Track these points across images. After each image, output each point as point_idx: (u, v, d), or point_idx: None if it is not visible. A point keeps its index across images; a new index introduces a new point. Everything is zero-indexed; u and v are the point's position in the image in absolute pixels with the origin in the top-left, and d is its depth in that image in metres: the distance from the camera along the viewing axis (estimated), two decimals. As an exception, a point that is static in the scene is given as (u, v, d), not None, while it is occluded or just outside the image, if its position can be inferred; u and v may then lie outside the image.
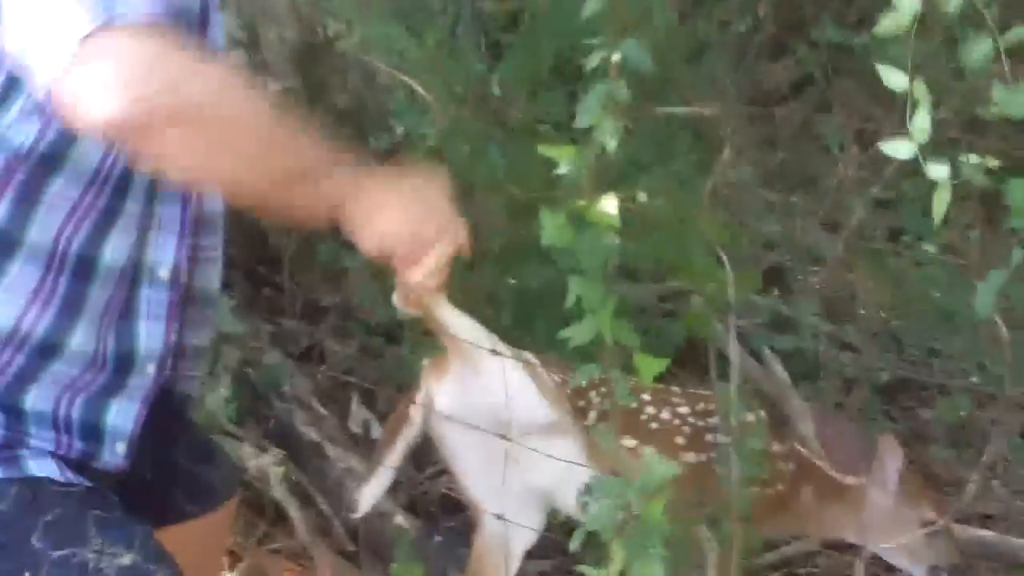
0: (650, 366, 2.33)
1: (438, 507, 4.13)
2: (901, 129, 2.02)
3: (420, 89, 4.05)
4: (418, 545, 3.57)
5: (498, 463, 2.96)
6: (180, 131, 1.96)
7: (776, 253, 4.99)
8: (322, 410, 4.39)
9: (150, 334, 2.40)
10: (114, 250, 2.27)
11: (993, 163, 2.03)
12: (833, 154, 5.52)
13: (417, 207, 2.23)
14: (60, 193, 2.18)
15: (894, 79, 1.91)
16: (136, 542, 2.32)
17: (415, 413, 3.06)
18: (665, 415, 3.19)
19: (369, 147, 4.27)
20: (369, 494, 3.12)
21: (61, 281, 2.25)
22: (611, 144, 2.28)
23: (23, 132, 2.13)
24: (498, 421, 2.92)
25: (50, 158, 2.16)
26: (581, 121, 2.27)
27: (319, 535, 3.83)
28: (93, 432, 2.40)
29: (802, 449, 3.30)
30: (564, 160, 2.29)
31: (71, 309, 2.26)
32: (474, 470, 3.11)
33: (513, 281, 3.90)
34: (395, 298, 2.85)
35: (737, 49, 5.38)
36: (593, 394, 3.12)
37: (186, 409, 2.75)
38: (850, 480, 3.27)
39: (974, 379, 5.15)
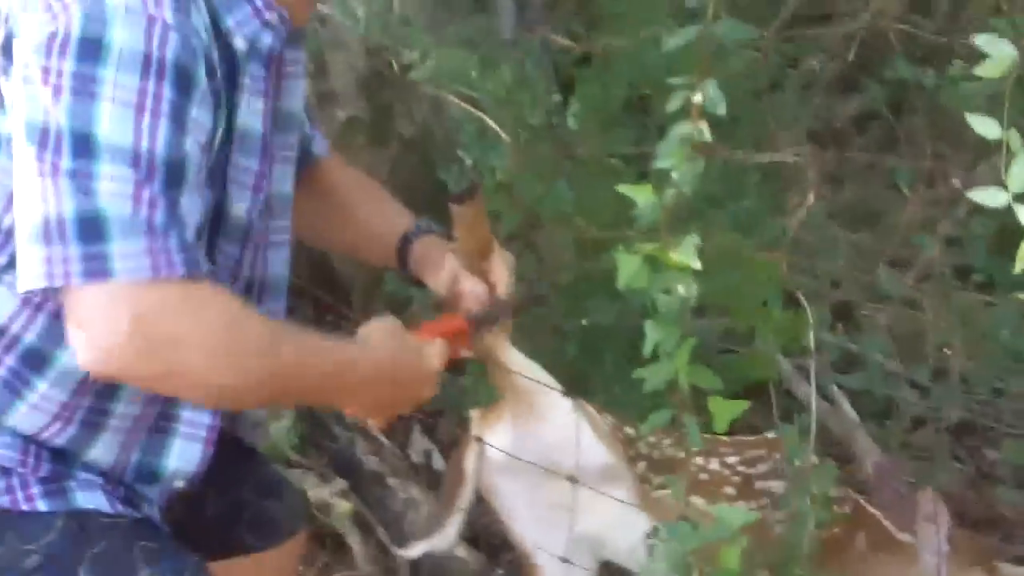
0: (725, 410, 2.30)
1: (500, 541, 4.10)
2: (972, 167, 2.01)
3: (491, 122, 4.04)
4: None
5: (551, 510, 2.94)
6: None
7: (843, 291, 4.93)
8: (384, 439, 4.37)
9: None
10: None
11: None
12: (901, 191, 5.47)
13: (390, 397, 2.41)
14: None
15: (985, 127, 1.87)
16: (186, 574, 2.32)
17: (468, 468, 3.03)
18: (714, 465, 3.14)
19: (437, 178, 4.25)
20: (423, 547, 3.10)
21: None
22: (690, 185, 2.25)
23: None
24: (552, 465, 2.90)
25: None
26: (661, 162, 2.24)
27: (379, 567, 3.81)
28: (151, 475, 2.39)
29: (858, 496, 3.23)
30: (641, 199, 2.26)
31: None
32: (527, 518, 3.06)
33: (582, 321, 3.87)
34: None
35: (807, 86, 5.34)
36: (642, 444, 3.09)
37: (252, 441, 2.75)
38: (904, 536, 3.20)
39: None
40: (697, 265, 2.21)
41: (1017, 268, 2.01)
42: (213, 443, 2.41)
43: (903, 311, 5.30)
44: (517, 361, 2.85)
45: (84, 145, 1.94)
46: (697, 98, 2.21)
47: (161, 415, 2.35)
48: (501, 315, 2.60)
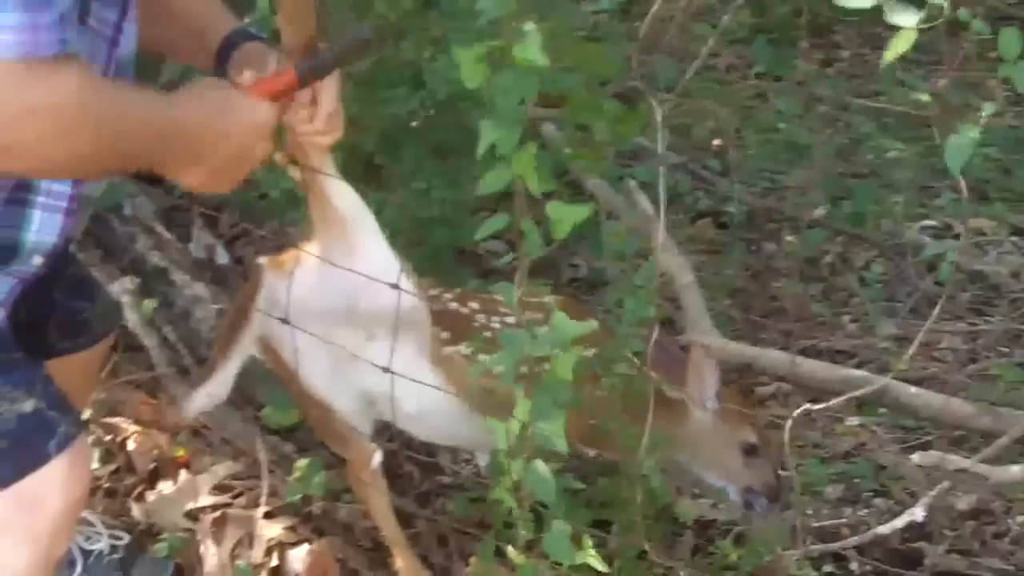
0: (566, 215, 2.23)
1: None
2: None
3: None
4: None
5: (344, 360, 2.80)
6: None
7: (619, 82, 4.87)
8: (166, 233, 4.21)
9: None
10: None
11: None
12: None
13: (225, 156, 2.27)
14: None
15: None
16: (38, 387, 2.22)
17: (254, 313, 2.86)
18: (496, 324, 3.06)
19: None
20: (201, 398, 2.93)
21: None
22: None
23: None
24: (352, 311, 2.77)
25: None
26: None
27: (173, 367, 3.69)
28: (9, 251, 2.28)
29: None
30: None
31: None
32: (319, 368, 2.90)
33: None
34: (277, 157, 2.72)
35: None
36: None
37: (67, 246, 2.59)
38: (675, 394, 3.20)
39: (822, 212, 5.19)
40: (543, 62, 2.12)
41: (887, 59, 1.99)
42: (74, 213, 2.31)
43: (681, 102, 5.31)
44: (340, 189, 2.70)
45: None
46: None
47: (18, 186, 2.22)
48: (330, 64, 2.45)
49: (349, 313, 2.77)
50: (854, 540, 3.37)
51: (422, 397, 2.81)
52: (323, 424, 2.95)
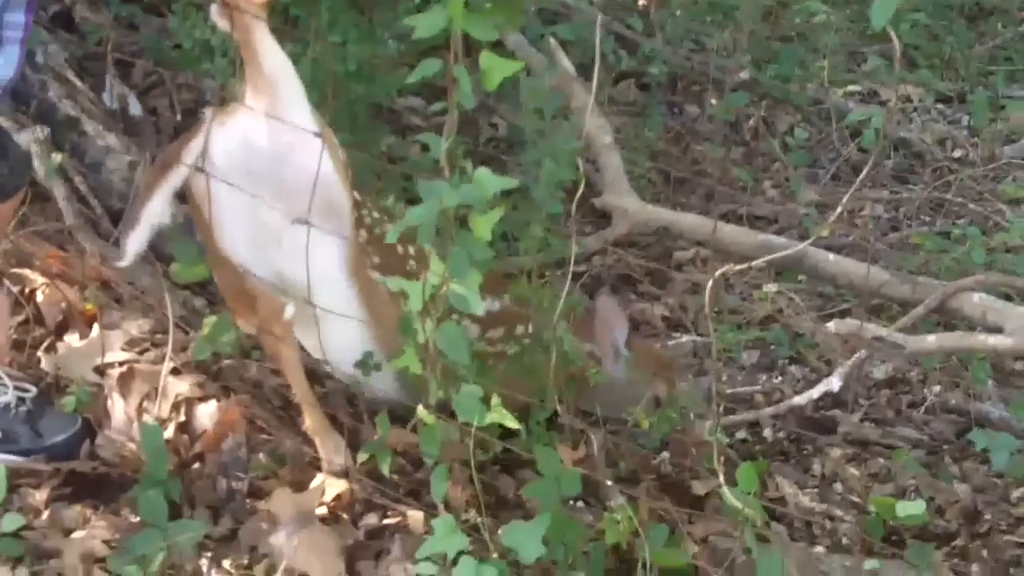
0: (498, 67, 2.17)
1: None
2: None
3: None
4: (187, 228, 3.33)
5: (264, 230, 2.72)
6: None
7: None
8: (77, 82, 4.10)
9: None
10: None
11: None
12: None
13: None
14: None
15: None
16: None
17: (187, 158, 2.75)
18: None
19: None
20: (134, 243, 2.83)
21: None
22: None
23: None
24: (276, 179, 2.69)
25: None
26: None
27: (82, 219, 3.61)
28: None
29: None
30: None
31: None
32: (239, 234, 2.80)
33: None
34: (214, 9, 2.63)
35: None
36: (366, 213, 2.90)
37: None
38: (588, 346, 3.16)
39: (747, 75, 5.15)
40: None
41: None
42: (25, 43, 2.32)
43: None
44: (270, 51, 2.62)
45: None
46: None
47: None
48: None
49: (273, 182, 2.70)
50: (770, 409, 3.38)
51: (328, 300, 2.75)
52: (230, 280, 2.89)
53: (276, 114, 2.63)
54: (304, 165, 2.60)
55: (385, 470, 2.81)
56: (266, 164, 2.68)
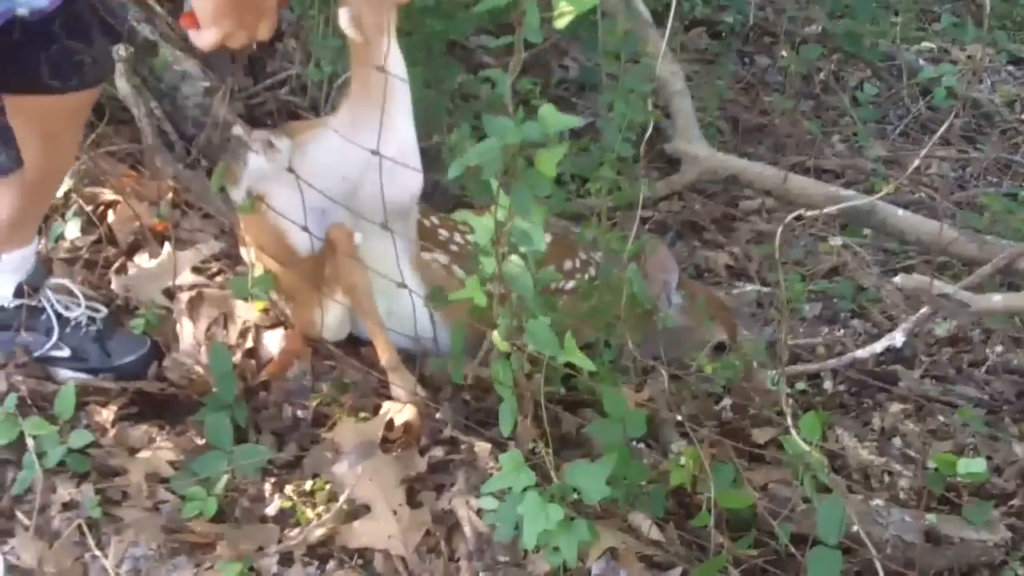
0: (572, 3, 2.15)
1: (275, 119, 3.97)
2: None
3: None
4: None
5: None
6: None
7: None
8: (158, 7, 4.11)
9: None
10: None
11: None
12: None
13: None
14: None
15: None
16: None
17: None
18: (458, 238, 3.05)
19: None
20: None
21: None
22: None
23: None
24: (358, 181, 2.77)
25: None
26: None
27: (160, 140, 3.63)
28: None
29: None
30: None
31: None
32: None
33: None
34: (343, 16, 2.64)
35: None
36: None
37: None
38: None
39: (819, 28, 5.12)
40: None
41: None
42: None
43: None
44: (394, 58, 2.60)
45: None
46: None
47: None
48: None
49: (353, 190, 2.76)
50: (832, 362, 3.38)
51: (396, 294, 2.83)
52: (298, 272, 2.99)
53: (383, 122, 2.63)
54: (392, 177, 2.65)
55: (457, 377, 2.86)
56: (356, 169, 2.75)
